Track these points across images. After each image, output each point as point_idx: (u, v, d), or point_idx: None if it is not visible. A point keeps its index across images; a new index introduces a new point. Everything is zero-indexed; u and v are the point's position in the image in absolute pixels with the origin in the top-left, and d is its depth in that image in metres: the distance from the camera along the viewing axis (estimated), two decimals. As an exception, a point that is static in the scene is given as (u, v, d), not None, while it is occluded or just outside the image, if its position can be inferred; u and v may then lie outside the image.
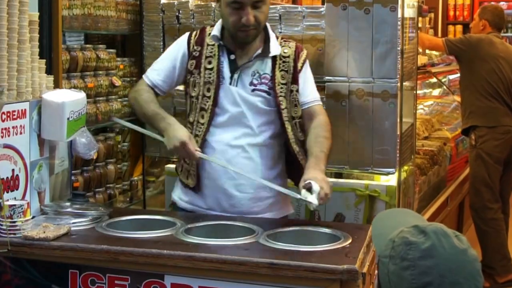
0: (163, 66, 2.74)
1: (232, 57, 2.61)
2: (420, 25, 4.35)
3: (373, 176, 3.35)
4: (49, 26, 2.93)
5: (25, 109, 2.44)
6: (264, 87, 2.60)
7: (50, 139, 2.56)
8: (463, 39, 4.95)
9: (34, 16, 2.57)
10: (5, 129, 2.32)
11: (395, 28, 3.04)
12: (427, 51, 5.56)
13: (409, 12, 3.27)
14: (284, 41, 2.71)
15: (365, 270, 2.07)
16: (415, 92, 3.61)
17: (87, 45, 3.49)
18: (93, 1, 3.41)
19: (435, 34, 8.25)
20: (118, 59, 3.77)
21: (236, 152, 2.58)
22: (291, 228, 2.39)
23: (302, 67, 2.66)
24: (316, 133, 2.59)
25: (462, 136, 5.48)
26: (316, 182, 2.36)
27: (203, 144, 2.60)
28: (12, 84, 2.42)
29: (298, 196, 2.39)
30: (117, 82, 3.63)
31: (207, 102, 2.60)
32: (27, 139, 2.44)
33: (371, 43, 3.07)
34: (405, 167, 3.33)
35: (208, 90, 2.60)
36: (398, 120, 3.12)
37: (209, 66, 2.62)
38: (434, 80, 5.95)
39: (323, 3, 3.30)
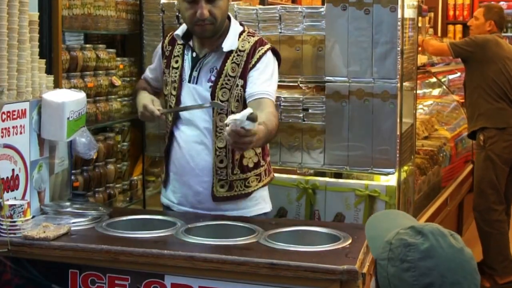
0: (154, 65, 2.92)
1: (194, 54, 2.67)
2: (420, 24, 4.32)
3: (373, 176, 3.35)
4: (49, 26, 2.93)
5: (25, 109, 2.45)
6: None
7: (50, 139, 2.56)
8: (469, 41, 4.86)
9: (34, 16, 2.58)
10: (5, 129, 2.32)
11: (395, 29, 3.04)
12: (427, 51, 5.55)
13: (409, 12, 3.27)
14: (249, 35, 2.68)
15: (365, 270, 2.07)
16: (415, 92, 3.61)
17: (87, 45, 3.49)
18: (93, 1, 3.41)
19: (435, 33, 8.25)
20: (118, 59, 3.77)
21: (201, 148, 2.63)
22: (291, 228, 2.40)
23: (255, 63, 2.60)
24: (266, 115, 2.41)
25: (462, 136, 5.49)
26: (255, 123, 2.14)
27: (171, 139, 2.71)
28: (12, 84, 2.42)
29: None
30: (117, 82, 3.63)
31: (173, 101, 2.69)
32: (27, 139, 2.45)
33: (371, 44, 3.07)
34: (405, 167, 3.33)
35: (174, 88, 2.69)
36: (398, 120, 3.12)
37: (176, 65, 2.71)
38: (433, 80, 5.95)
39: (323, 3, 3.30)
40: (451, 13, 9.05)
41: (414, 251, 1.30)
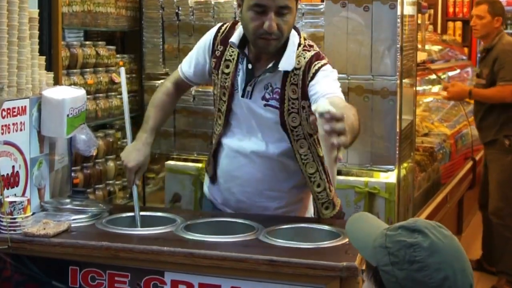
0: (195, 59, 2.62)
1: (250, 66, 2.42)
2: (419, 21, 4.32)
3: (372, 173, 3.36)
4: (48, 23, 2.93)
5: (25, 106, 2.44)
6: (275, 103, 2.42)
7: (50, 135, 2.56)
8: None
9: (34, 13, 2.57)
10: (5, 126, 2.32)
11: (395, 26, 3.05)
12: (426, 47, 5.54)
13: (408, 9, 3.28)
14: (304, 50, 2.42)
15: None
16: (414, 89, 3.61)
17: (87, 42, 3.50)
18: (93, -2, 3.42)
19: (435, 30, 8.23)
20: (118, 55, 3.78)
21: (244, 161, 2.50)
22: (291, 225, 2.39)
23: (312, 77, 2.37)
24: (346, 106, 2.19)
25: (461, 133, 5.49)
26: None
27: (218, 145, 2.56)
28: (12, 81, 2.42)
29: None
30: (117, 78, 3.63)
31: (223, 106, 2.50)
32: (27, 136, 2.44)
33: (370, 41, 3.08)
34: (405, 164, 3.34)
35: (224, 94, 2.49)
36: (398, 117, 3.13)
37: (226, 71, 2.48)
38: (433, 76, 5.94)
39: (322, 1, 3.30)
40: (450, 10, 9.04)
41: (420, 250, 1.29)
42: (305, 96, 2.38)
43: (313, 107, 1.81)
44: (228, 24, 2.56)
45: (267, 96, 2.42)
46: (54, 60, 2.99)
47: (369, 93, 3.08)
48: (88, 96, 3.11)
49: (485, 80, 4.43)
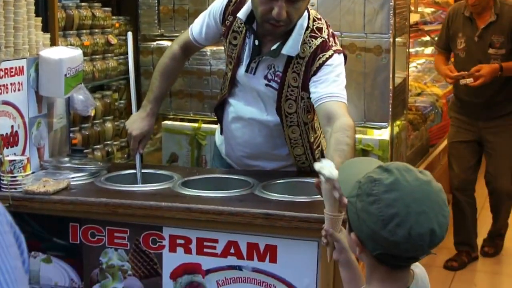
0: (206, 23, 2.50)
1: (257, 42, 2.32)
2: None
3: (366, 131, 3.35)
4: (44, -16, 2.89)
5: (22, 66, 2.42)
6: (275, 85, 2.34)
7: (48, 95, 2.54)
8: None
9: (28, -26, 2.53)
10: (4, 85, 2.31)
11: (388, -17, 3.02)
12: (419, 9, 5.49)
13: (402, -32, 3.24)
14: (311, 36, 2.29)
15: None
16: (407, 48, 3.59)
17: (83, 4, 3.46)
18: (88, -41, 3.37)
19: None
20: (114, 17, 3.74)
21: (244, 124, 2.45)
22: (285, 180, 2.39)
23: (316, 71, 2.26)
24: (337, 139, 2.07)
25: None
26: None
27: (225, 102, 2.49)
28: (9, 42, 2.39)
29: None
30: (113, 40, 3.60)
31: (229, 72, 2.45)
32: (25, 96, 2.43)
33: (363, -1, 3.05)
34: (398, 122, 3.34)
35: (230, 63, 2.44)
36: (391, 75, 3.12)
37: (234, 42, 2.40)
38: (426, 38, 5.91)
39: (316, -40, 3.25)
40: (444, -29, 8.94)
41: (379, 185, 1.32)
42: (305, 87, 2.29)
43: (316, 167, 1.65)
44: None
45: (269, 76, 2.35)
46: (50, 21, 2.95)
47: (362, 50, 3.07)
48: (85, 58, 3.09)
49: (504, 49, 3.92)
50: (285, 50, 2.26)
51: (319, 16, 2.36)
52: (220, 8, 2.44)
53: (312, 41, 2.28)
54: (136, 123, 2.51)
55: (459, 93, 4.10)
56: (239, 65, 2.39)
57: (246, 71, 2.36)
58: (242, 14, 2.31)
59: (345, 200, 1.55)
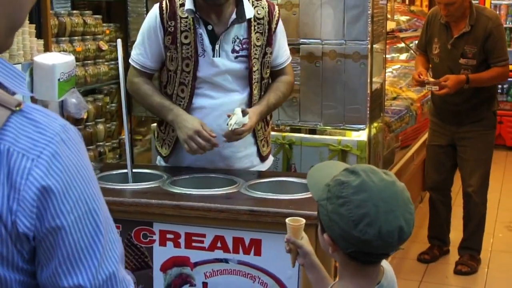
0: (148, 45, 2.48)
1: (210, 27, 2.39)
2: None
3: (345, 132, 3.40)
4: (38, -8, 2.90)
5: (18, 71, 2.44)
6: (245, 53, 2.44)
7: (42, 99, 2.56)
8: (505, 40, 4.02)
9: (23, -18, 2.54)
10: (0, 89, 2.32)
11: (366, -7, 3.06)
12: (395, 17, 5.56)
13: (379, -22, 3.29)
14: (255, 0, 2.49)
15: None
16: (384, 54, 3.64)
17: (74, 11, 3.47)
18: (79, -31, 3.38)
19: (403, 1, 8.24)
20: (104, 24, 3.75)
21: (219, 113, 2.45)
22: (269, 179, 2.43)
23: (276, 27, 2.50)
24: (277, 86, 2.54)
25: (427, 97, 5.53)
26: (246, 116, 2.35)
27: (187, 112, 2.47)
28: (4, 47, 2.41)
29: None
30: (104, 46, 3.62)
31: (187, 77, 2.43)
32: (20, 99, 2.44)
33: (343, 7, 3.09)
34: (375, 124, 3.38)
35: (187, 65, 2.42)
36: (369, 80, 3.16)
37: (186, 41, 2.40)
38: (401, 45, 5.98)
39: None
40: (419, -19, 9.04)
41: (348, 187, 1.35)
42: (270, 42, 2.48)
43: (235, 110, 2.33)
44: (165, 1, 2.45)
45: (237, 48, 2.44)
46: (44, 28, 2.97)
47: (341, 57, 3.11)
48: (77, 63, 3.11)
49: (475, 60, 3.86)
50: (248, 14, 2.39)
51: None
52: (155, 22, 2.43)
53: (260, 2, 2.49)
54: (188, 122, 2.37)
55: (434, 98, 4.11)
56: (201, 56, 2.40)
57: (214, 56, 2.40)
58: (188, 4, 2.36)
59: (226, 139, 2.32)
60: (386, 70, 4.23)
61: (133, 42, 3.85)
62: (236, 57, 2.44)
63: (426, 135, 5.26)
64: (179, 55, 2.42)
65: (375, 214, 1.32)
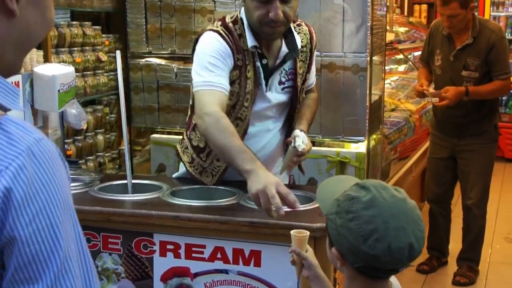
0: (224, 70, 2.26)
1: (264, 61, 2.34)
2: (387, 3, 4.31)
3: (343, 144, 3.43)
4: (38, 3, 2.94)
5: (18, 81, 2.47)
6: (291, 83, 2.42)
7: (43, 109, 2.59)
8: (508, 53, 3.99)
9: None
10: (1, 100, 2.35)
11: (365, 5, 3.09)
12: (394, 28, 5.60)
13: (378, -9, 3.33)
14: (297, 25, 2.44)
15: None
16: (383, 66, 3.67)
17: (74, 22, 3.51)
18: (80, -20, 3.42)
19: (402, 13, 8.31)
20: (104, 35, 3.79)
21: (258, 138, 2.44)
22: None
23: (314, 51, 2.50)
24: (308, 103, 2.54)
25: (426, 109, 5.57)
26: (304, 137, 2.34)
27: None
28: (6, 58, 2.43)
29: (291, 146, 2.32)
30: (103, 57, 3.65)
31: (245, 112, 2.35)
32: (21, 110, 2.47)
33: (342, 20, 3.12)
34: (374, 136, 3.41)
35: (247, 100, 2.34)
36: (368, 92, 3.19)
37: (249, 75, 2.33)
38: (399, 56, 6.02)
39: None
40: (417, -7, 9.12)
41: (357, 202, 1.36)
42: (309, 69, 2.49)
43: (294, 133, 2.32)
44: (221, 31, 2.29)
45: (283, 79, 2.41)
46: (43, 39, 3.00)
47: (340, 69, 3.14)
48: (77, 74, 3.14)
49: (477, 72, 3.84)
50: (299, 46, 2.37)
51: None
52: (228, 56, 2.26)
53: (302, 28, 2.44)
54: (269, 177, 2.02)
55: (436, 111, 4.13)
56: (258, 90, 2.33)
57: (266, 91, 2.36)
58: (252, 42, 2.27)
59: (292, 165, 2.35)
60: (385, 81, 4.26)
61: (133, 53, 3.93)
62: (282, 89, 2.41)
63: (424, 147, 5.31)
64: (242, 89, 2.31)
65: (384, 230, 1.33)
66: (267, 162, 2.38)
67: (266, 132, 2.46)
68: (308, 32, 2.46)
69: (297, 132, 2.32)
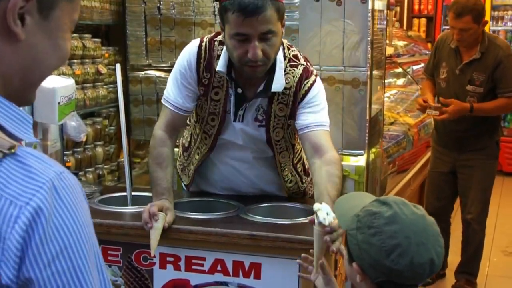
0: (183, 86, 2.31)
1: (239, 90, 2.26)
2: (387, 17, 4.34)
3: (343, 158, 3.44)
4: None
5: (19, 94, 2.49)
6: (265, 122, 2.33)
7: (43, 121, 2.61)
8: None
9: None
10: (2, 112, 2.36)
11: (366, 19, 3.12)
12: (393, 42, 5.64)
13: (379, 5, 3.35)
14: (291, 65, 2.28)
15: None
16: (383, 80, 3.69)
17: (73, 35, 3.54)
18: (80, -8, 3.46)
19: (401, 26, 8.37)
20: (103, 48, 3.82)
21: (237, 166, 2.48)
22: (269, 204, 2.46)
23: (303, 97, 2.27)
24: (329, 172, 2.16)
25: (424, 122, 5.59)
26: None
27: (205, 160, 2.48)
28: (6, 70, 2.45)
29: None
30: (103, 69, 3.68)
31: (211, 130, 2.36)
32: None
33: (342, 34, 3.15)
34: (373, 150, 3.43)
35: (213, 120, 2.34)
36: (368, 106, 3.21)
37: (216, 98, 2.29)
38: (398, 70, 6.06)
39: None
40: (416, 7, 9.18)
41: (379, 218, 1.39)
42: (293, 115, 2.29)
43: (315, 207, 1.80)
44: (204, 44, 2.29)
45: (260, 117, 2.32)
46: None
47: (340, 83, 3.16)
48: (76, 86, 3.15)
49: (482, 88, 3.85)
50: (274, 88, 2.21)
51: (289, 43, 2.36)
52: (190, 70, 2.28)
53: (294, 70, 2.26)
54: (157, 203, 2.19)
55: (437, 125, 4.15)
56: (226, 116, 2.31)
57: (234, 120, 2.30)
58: (221, 67, 2.21)
59: (333, 248, 1.77)
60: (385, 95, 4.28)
61: (132, 65, 3.95)
62: (259, 126, 2.33)
63: (423, 160, 5.33)
64: (207, 108, 2.32)
65: (407, 246, 1.36)
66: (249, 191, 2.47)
67: (235, 156, 2.44)
68: (298, 76, 2.27)
69: (317, 205, 1.83)
